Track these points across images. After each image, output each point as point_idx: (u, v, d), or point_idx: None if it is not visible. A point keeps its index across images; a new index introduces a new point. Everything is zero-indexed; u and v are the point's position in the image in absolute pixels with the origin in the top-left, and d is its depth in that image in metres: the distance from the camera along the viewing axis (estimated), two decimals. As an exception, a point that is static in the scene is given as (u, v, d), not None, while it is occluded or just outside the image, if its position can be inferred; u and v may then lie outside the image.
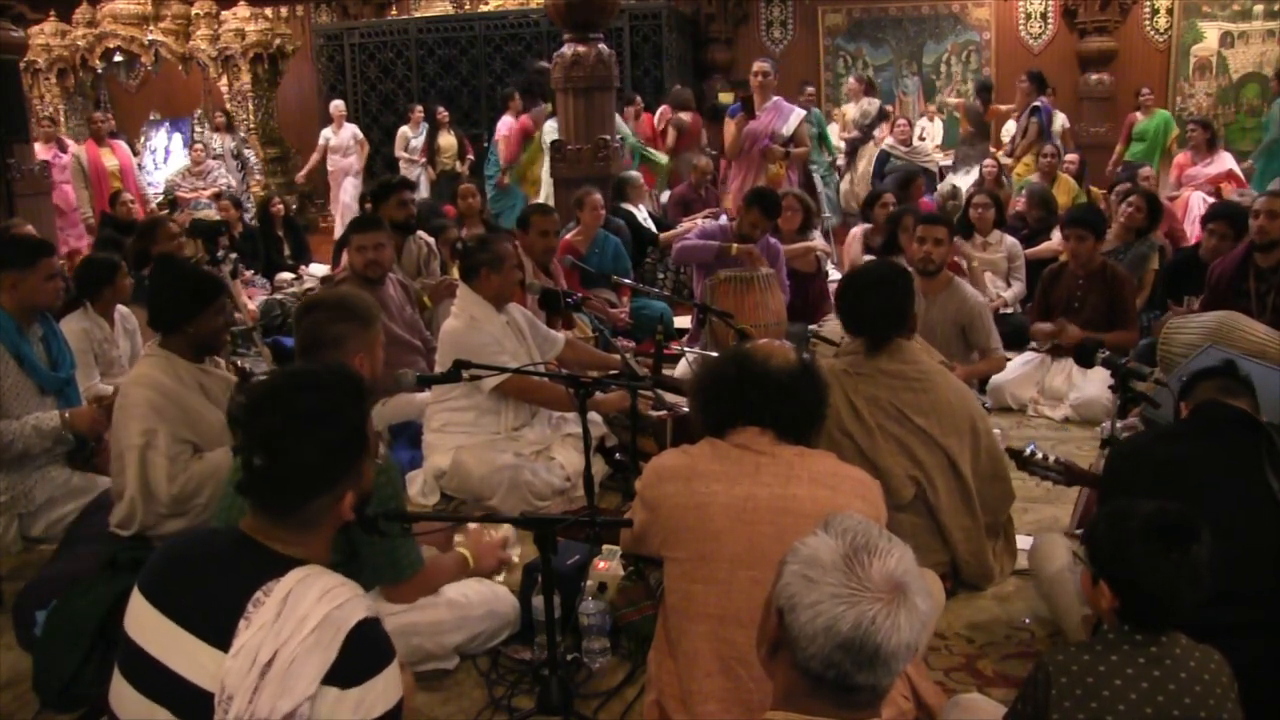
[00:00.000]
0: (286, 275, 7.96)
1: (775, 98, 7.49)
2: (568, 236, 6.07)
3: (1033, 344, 5.07)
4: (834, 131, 10.01)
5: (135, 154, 12.10)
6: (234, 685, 1.46)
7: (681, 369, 5.02)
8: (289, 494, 1.59)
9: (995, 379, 4.80)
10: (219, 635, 1.49)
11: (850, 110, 10.35)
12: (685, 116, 9.57)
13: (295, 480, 1.58)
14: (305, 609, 1.48)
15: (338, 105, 10.75)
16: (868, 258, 5.85)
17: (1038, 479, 3.06)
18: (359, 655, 1.49)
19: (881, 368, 3.01)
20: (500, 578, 2.96)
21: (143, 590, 1.60)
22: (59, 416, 3.52)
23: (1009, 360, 4.91)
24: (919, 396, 2.98)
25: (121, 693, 1.58)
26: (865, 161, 9.66)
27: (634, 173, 7.88)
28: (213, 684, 1.48)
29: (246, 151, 11.29)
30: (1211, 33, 11.68)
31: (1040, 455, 3.01)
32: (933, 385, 3.01)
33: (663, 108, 9.79)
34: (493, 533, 3.01)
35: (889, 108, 10.60)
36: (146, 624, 1.56)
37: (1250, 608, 2.16)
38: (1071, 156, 8.37)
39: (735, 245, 5.33)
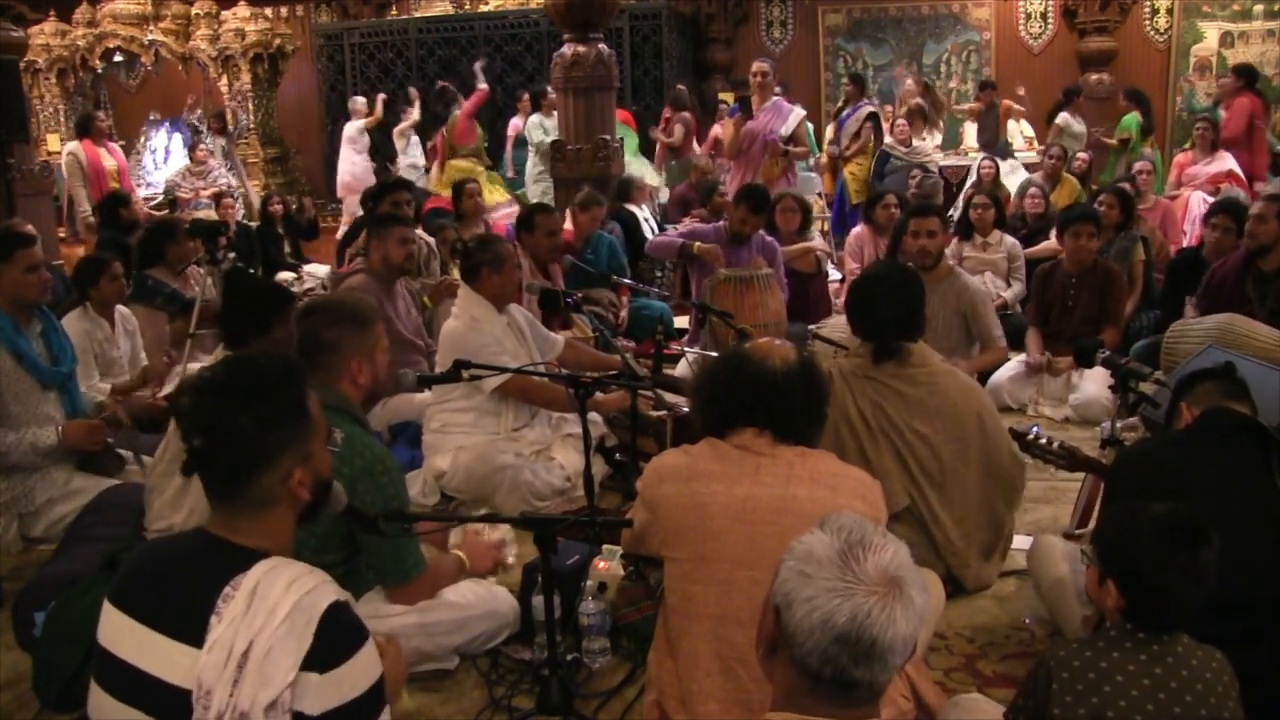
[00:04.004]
0: (287, 275, 7.96)
1: (775, 98, 7.49)
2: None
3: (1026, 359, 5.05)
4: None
5: (136, 153, 12.15)
6: (211, 680, 1.47)
7: (681, 369, 5.02)
8: (231, 472, 1.59)
9: (994, 379, 4.80)
10: (191, 633, 1.50)
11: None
12: (688, 116, 9.64)
13: (234, 456, 1.58)
14: (275, 599, 1.50)
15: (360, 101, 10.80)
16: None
17: (1041, 467, 3.05)
18: (333, 639, 1.51)
19: (889, 371, 3.00)
20: (493, 580, 2.96)
21: (113, 601, 1.61)
22: (55, 435, 3.53)
23: (1009, 359, 4.92)
24: (926, 399, 2.97)
25: (100, 702, 1.59)
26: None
27: (636, 173, 7.90)
28: (189, 681, 1.49)
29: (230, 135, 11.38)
30: (1211, 33, 11.69)
31: (1044, 440, 3.01)
32: (940, 388, 2.99)
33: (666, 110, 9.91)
34: (490, 533, 3.01)
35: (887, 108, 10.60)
36: (119, 631, 1.58)
37: (1261, 617, 2.15)
38: (1082, 155, 8.40)
39: (697, 244, 5.36)
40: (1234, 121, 8.95)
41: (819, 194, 9.03)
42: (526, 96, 9.88)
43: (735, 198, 5.57)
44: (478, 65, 9.75)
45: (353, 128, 10.42)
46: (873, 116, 9.03)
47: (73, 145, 9.26)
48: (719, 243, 5.42)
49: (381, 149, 11.15)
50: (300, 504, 1.68)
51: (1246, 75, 9.10)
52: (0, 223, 6.27)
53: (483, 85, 9.46)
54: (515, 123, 10.17)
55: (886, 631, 1.26)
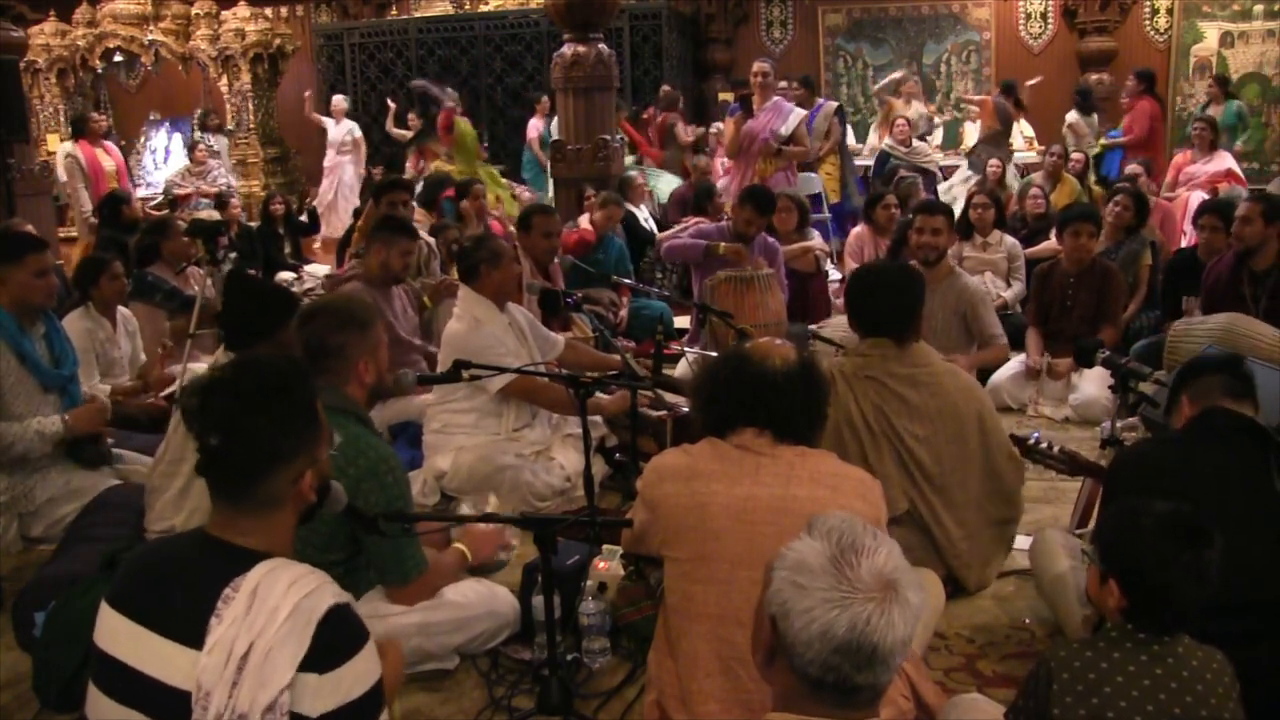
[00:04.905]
0: (287, 275, 7.96)
1: (775, 97, 7.49)
2: (579, 229, 6.13)
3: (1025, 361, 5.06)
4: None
5: (136, 153, 12.15)
6: (211, 681, 1.47)
7: (681, 369, 5.02)
8: (246, 471, 1.59)
9: (994, 379, 4.81)
10: (191, 635, 1.50)
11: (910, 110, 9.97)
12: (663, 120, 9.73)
13: (250, 455, 1.59)
14: (275, 600, 1.50)
15: (338, 99, 10.86)
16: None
17: (1040, 469, 3.05)
18: (333, 640, 1.51)
19: (891, 370, 2.99)
20: (506, 555, 2.94)
21: (111, 602, 1.61)
22: (60, 421, 3.52)
23: (1009, 359, 4.92)
24: (927, 401, 2.97)
25: (98, 704, 1.59)
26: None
27: (634, 173, 7.89)
28: (188, 683, 1.49)
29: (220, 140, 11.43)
30: (1211, 33, 11.68)
31: (1045, 444, 3.00)
32: (941, 389, 2.99)
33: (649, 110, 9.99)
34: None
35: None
36: (118, 633, 1.58)
37: (1261, 617, 2.15)
38: (1078, 155, 8.41)
39: (723, 244, 5.34)
40: (1137, 125, 9.15)
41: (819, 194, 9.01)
42: (545, 99, 9.77)
43: (740, 199, 5.57)
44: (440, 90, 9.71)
45: (345, 132, 10.46)
46: (839, 111, 8.98)
47: (68, 146, 9.26)
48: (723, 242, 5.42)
49: (381, 151, 11.16)
50: (305, 505, 1.68)
51: (1147, 80, 9.40)
52: (0, 223, 6.28)
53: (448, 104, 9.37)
54: (535, 124, 10.13)
55: (886, 637, 1.26)
